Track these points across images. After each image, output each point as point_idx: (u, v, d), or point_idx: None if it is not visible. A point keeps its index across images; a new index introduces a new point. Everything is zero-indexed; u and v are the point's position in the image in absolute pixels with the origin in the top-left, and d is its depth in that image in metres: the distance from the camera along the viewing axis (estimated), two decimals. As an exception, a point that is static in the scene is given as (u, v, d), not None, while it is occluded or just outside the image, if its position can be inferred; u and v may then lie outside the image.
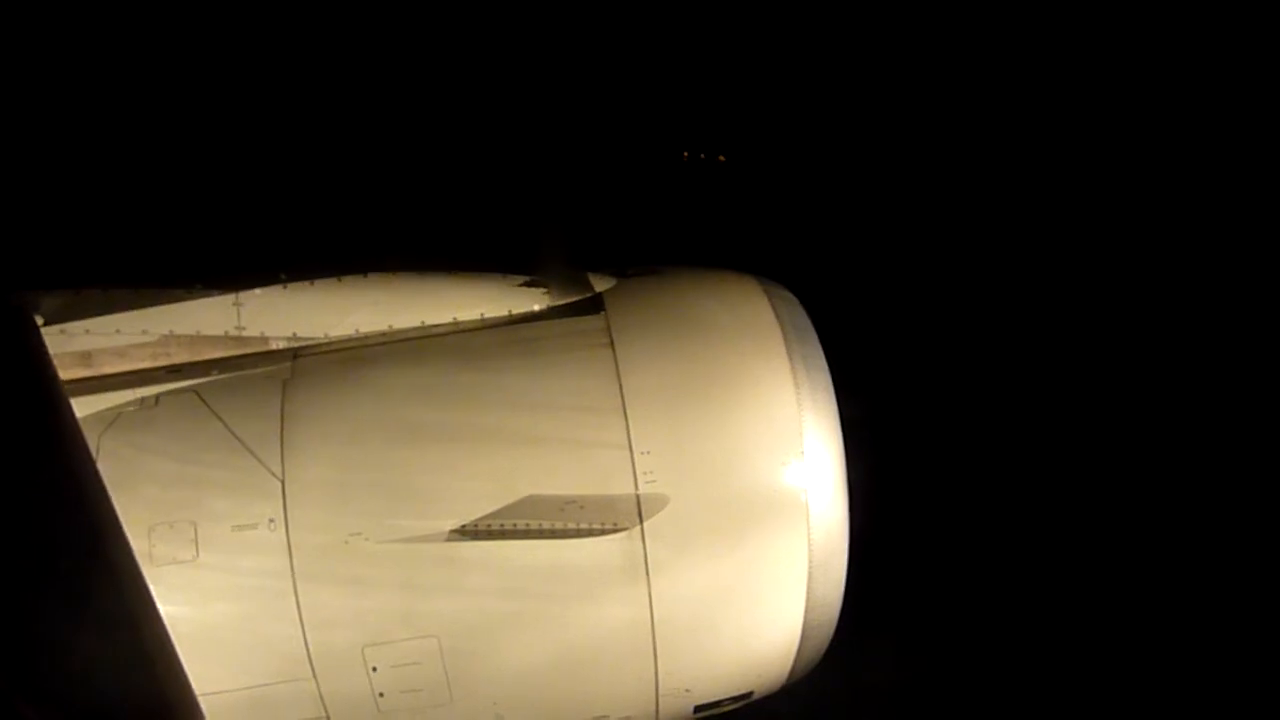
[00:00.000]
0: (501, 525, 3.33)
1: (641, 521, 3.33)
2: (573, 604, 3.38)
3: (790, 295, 3.79)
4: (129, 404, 3.49)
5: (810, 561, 3.43)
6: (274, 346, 3.64)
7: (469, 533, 3.33)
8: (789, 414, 3.43)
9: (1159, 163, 7.68)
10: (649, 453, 3.36)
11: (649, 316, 3.60)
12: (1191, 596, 6.53)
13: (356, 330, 3.67)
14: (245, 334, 3.63)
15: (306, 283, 3.66)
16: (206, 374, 3.55)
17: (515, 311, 3.69)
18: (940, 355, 7.25)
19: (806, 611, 3.51)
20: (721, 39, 7.84)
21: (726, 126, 8.17)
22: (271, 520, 3.31)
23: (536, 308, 3.70)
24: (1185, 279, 7.45)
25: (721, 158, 8.24)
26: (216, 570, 3.31)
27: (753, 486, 3.40)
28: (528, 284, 3.73)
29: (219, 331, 3.62)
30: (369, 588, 3.34)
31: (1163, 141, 7.70)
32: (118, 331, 3.58)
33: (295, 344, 3.64)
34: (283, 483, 3.34)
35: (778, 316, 3.61)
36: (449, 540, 3.32)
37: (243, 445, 3.39)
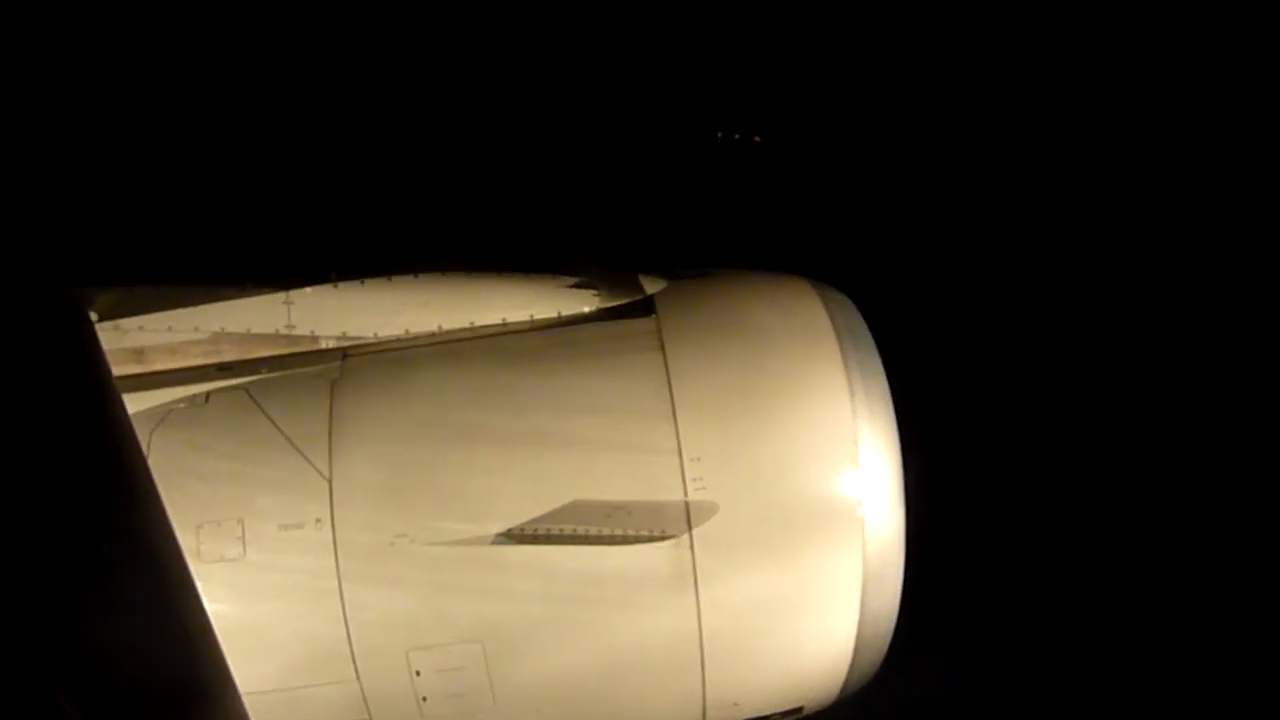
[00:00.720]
0: (548, 530, 3.29)
1: (690, 529, 3.27)
2: (618, 612, 3.32)
3: (845, 299, 3.70)
4: (180, 401, 3.51)
5: (864, 575, 3.34)
6: (323, 346, 3.64)
7: (515, 536, 3.29)
8: (844, 422, 3.34)
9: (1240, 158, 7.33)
10: (699, 459, 3.29)
11: (700, 320, 3.53)
12: (1261, 607, 6.30)
13: (406, 330, 3.65)
14: (295, 333, 3.63)
15: (356, 282, 3.65)
16: (256, 372, 3.57)
17: (564, 313, 3.65)
18: (1002, 355, 7.01)
19: (860, 626, 3.42)
20: (754, 13, 7.55)
21: (762, 104, 7.89)
22: (318, 520, 3.31)
23: (586, 309, 3.66)
24: (1248, 282, 7.12)
25: (757, 138, 8.02)
26: (263, 569, 3.32)
27: (806, 497, 3.31)
28: (577, 285, 3.69)
29: (269, 330, 3.63)
30: (414, 590, 3.32)
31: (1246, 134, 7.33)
32: (170, 329, 3.60)
33: (344, 343, 3.64)
34: (330, 483, 3.33)
35: (832, 321, 3.53)
36: (495, 544, 3.29)
37: (291, 445, 3.39)
